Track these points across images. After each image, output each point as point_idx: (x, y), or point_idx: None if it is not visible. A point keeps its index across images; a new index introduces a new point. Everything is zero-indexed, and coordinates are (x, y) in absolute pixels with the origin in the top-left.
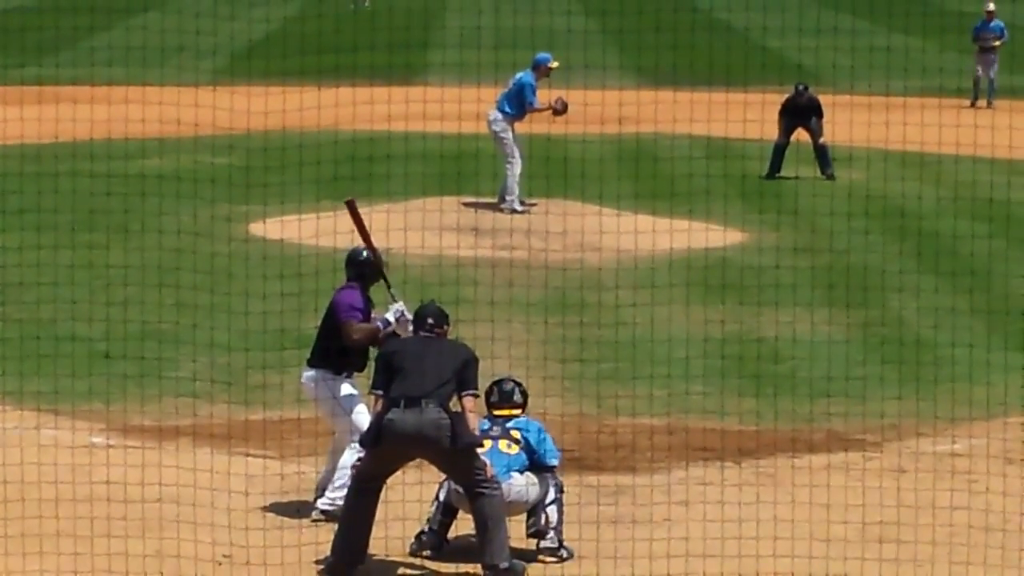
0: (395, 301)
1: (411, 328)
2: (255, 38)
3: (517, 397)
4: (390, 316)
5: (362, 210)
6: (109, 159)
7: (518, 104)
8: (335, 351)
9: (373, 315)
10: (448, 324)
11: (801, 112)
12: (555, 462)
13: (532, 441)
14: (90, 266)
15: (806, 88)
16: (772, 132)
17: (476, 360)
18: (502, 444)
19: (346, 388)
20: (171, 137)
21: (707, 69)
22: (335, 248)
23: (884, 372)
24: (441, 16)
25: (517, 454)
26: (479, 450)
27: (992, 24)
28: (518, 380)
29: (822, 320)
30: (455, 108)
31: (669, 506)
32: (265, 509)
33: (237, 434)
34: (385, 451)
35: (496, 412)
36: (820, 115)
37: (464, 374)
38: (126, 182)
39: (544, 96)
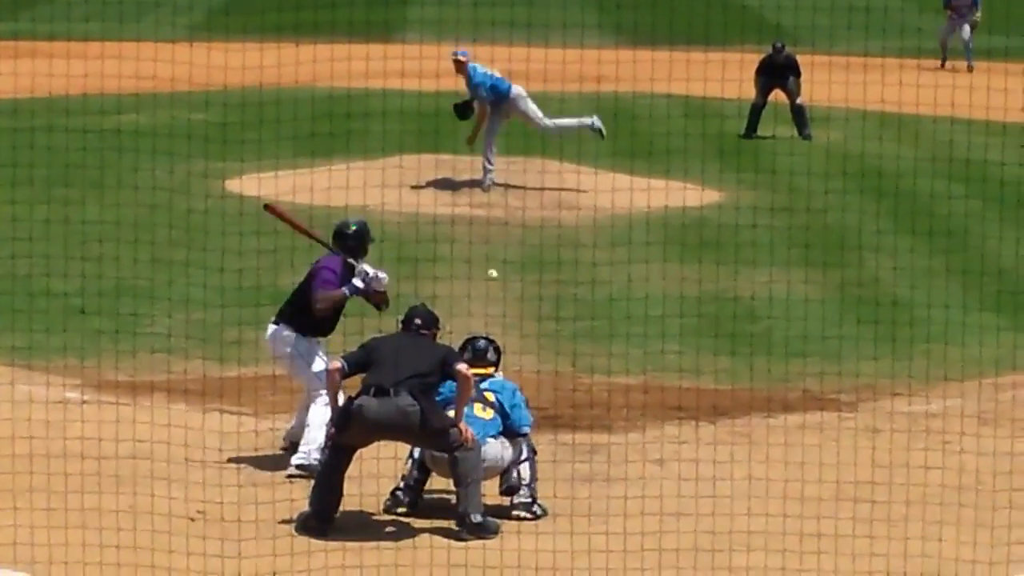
0: (359, 264)
1: (385, 282)
2: None
3: (491, 355)
4: (357, 282)
5: (339, 167)
6: (85, 114)
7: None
8: (301, 312)
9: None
10: (438, 328)
11: (778, 71)
12: (527, 429)
13: (505, 404)
14: (65, 222)
15: (783, 46)
16: (750, 91)
17: (456, 352)
18: (477, 408)
19: (307, 345)
20: (147, 93)
21: (686, 28)
22: (311, 205)
23: (860, 332)
24: None
25: (492, 419)
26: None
27: None
28: (491, 338)
29: (798, 280)
30: (433, 65)
31: (644, 464)
32: (239, 465)
33: (212, 390)
34: (354, 432)
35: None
36: (797, 74)
37: (447, 360)
38: (102, 137)
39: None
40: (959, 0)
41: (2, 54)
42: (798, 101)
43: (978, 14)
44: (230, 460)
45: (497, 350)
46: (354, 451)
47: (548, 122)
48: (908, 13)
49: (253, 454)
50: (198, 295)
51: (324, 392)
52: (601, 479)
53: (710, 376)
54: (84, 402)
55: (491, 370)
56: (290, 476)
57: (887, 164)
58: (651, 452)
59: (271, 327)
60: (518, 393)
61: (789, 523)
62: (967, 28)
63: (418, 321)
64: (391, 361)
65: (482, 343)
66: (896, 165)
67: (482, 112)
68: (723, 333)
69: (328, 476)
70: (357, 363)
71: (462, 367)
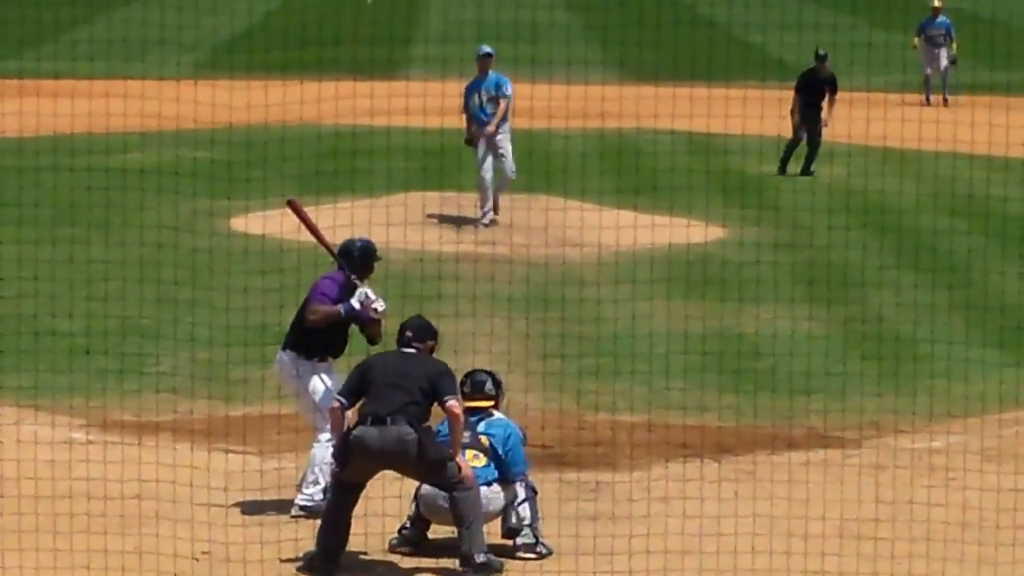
0: (359, 286)
1: (380, 310)
2: (237, 32)
3: (489, 388)
4: (354, 302)
5: (344, 205)
6: (90, 153)
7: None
8: (306, 334)
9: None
10: (433, 339)
11: (818, 84)
12: (520, 475)
13: (499, 449)
14: (71, 261)
15: (825, 56)
16: (753, 127)
17: (451, 372)
18: (469, 455)
19: (309, 367)
20: (152, 131)
21: (689, 64)
22: (317, 243)
23: (864, 369)
24: (425, 10)
25: (485, 466)
26: None
27: (939, 20)
28: (491, 371)
29: (802, 316)
30: (438, 103)
31: (648, 502)
32: (244, 505)
33: (217, 430)
34: (355, 465)
35: (468, 403)
36: (835, 89)
37: (439, 386)
38: (107, 176)
39: None
40: (933, 30)
41: (7, 93)
42: (822, 129)
43: (954, 46)
44: (235, 500)
45: (497, 383)
46: (360, 489)
47: (512, 168)
48: (910, 49)
49: (258, 494)
50: (203, 334)
51: (326, 430)
52: (606, 517)
53: (714, 413)
54: (90, 442)
55: (490, 404)
56: (294, 516)
57: (889, 200)
58: (655, 490)
59: (278, 354)
60: (514, 435)
61: (793, 561)
62: (944, 61)
63: (409, 334)
64: (385, 387)
65: (481, 376)
66: (899, 201)
67: (503, 109)
68: (727, 370)
69: (335, 515)
70: (353, 391)
71: (453, 404)
